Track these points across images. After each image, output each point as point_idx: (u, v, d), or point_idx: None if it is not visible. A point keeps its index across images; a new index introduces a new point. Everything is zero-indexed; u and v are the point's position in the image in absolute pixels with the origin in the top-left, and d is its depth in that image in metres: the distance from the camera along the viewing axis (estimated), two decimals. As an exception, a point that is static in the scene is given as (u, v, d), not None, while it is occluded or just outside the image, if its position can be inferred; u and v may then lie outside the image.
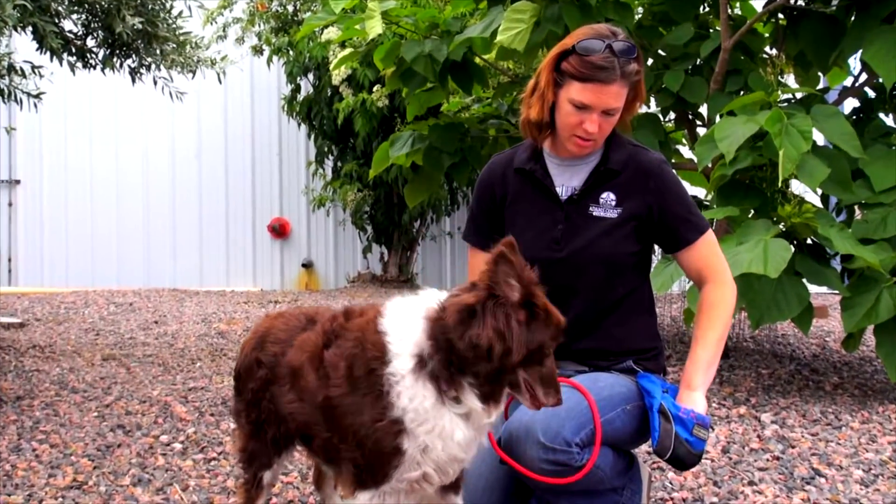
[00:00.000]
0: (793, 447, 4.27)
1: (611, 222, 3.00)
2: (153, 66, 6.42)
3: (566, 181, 3.09)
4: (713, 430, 4.53)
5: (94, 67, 6.44)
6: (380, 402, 2.40)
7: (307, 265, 12.66)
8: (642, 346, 3.06)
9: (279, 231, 12.60)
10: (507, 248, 2.32)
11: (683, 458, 2.84)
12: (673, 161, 6.61)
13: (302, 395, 2.61)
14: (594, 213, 3.03)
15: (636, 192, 3.00)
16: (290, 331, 2.79)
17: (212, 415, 4.86)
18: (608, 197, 3.03)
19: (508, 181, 3.18)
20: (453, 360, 2.32)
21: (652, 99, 6.57)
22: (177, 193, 12.63)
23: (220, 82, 7.12)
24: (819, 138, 5.11)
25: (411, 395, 2.37)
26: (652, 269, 5.43)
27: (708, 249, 3.03)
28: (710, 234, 3.05)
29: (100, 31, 6.25)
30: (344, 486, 2.52)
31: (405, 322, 2.43)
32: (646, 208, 3.01)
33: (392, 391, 2.38)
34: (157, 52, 6.32)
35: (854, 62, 6.55)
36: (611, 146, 3.06)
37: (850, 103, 6.57)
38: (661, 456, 2.84)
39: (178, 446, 4.29)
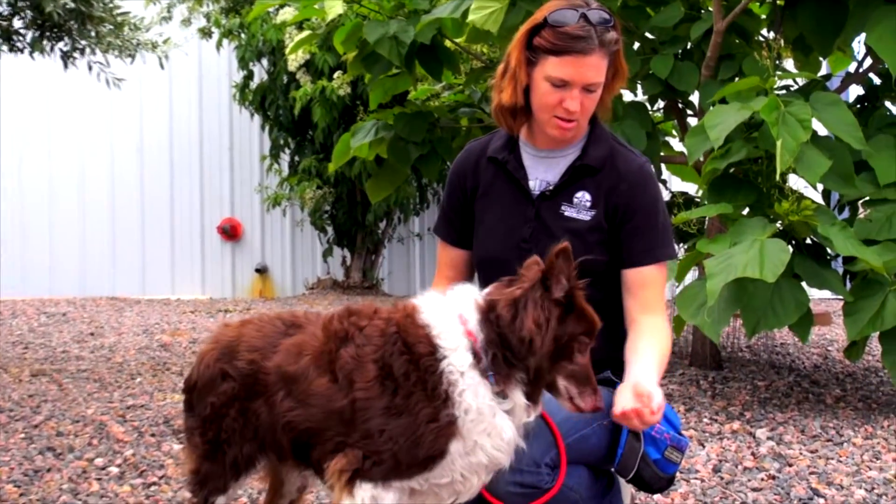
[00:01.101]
0: (790, 465, 4.31)
1: (583, 225, 3.01)
2: (88, 50, 6.40)
3: (541, 174, 3.10)
4: (703, 447, 4.57)
5: (22, 51, 6.41)
6: (433, 401, 2.48)
7: (261, 270, 12.63)
8: (621, 355, 3.08)
9: (230, 233, 12.56)
10: (567, 247, 2.49)
11: (648, 480, 2.86)
12: (662, 154, 6.66)
13: (308, 400, 2.62)
14: (566, 213, 3.04)
15: (609, 194, 3.03)
16: (267, 337, 2.79)
17: (152, 435, 4.84)
18: (583, 197, 3.04)
19: (481, 171, 3.19)
20: (507, 354, 2.47)
21: (638, 86, 6.61)
22: (116, 192, 12.56)
23: (163, 68, 7.10)
24: (820, 129, 5.16)
25: (473, 393, 2.48)
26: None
27: (654, 285, 3.01)
28: (663, 269, 3.03)
29: (28, 11, 6.22)
30: (342, 475, 2.54)
31: (450, 316, 2.55)
32: (612, 210, 3.03)
33: (452, 388, 2.48)
34: (93, 34, 6.30)
35: (858, 46, 6.62)
36: (590, 139, 3.08)
37: (854, 91, 6.64)
38: (623, 476, 2.86)
39: (114, 470, 4.27)
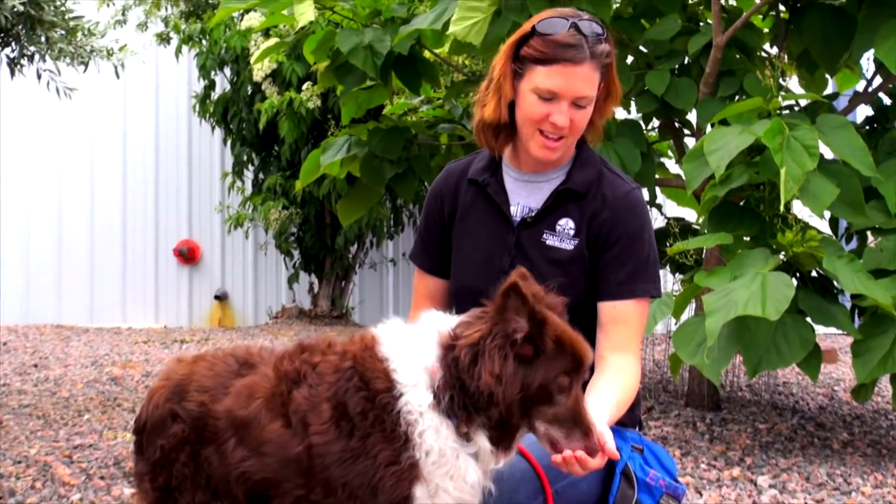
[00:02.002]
0: (795, 516, 4.32)
1: (565, 255, 3.03)
2: (37, 57, 6.36)
3: (523, 200, 3.12)
4: (700, 495, 4.57)
5: (-36, 57, 6.38)
6: (392, 443, 2.46)
7: (221, 297, 12.58)
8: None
9: (187, 256, 12.52)
10: (518, 279, 2.44)
11: None
12: (657, 176, 6.69)
13: (261, 448, 2.60)
14: (547, 242, 3.06)
15: (591, 221, 3.04)
16: (218, 377, 2.78)
17: (101, 478, 4.81)
18: (566, 224, 3.06)
19: (460, 194, 3.21)
20: (465, 399, 2.45)
21: (632, 103, 6.65)
22: (63, 210, 12.51)
23: (118, 77, 7.07)
24: (827, 152, 5.20)
25: (435, 433, 2.46)
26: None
27: (628, 322, 3.01)
28: (642, 306, 3.04)
29: (-29, 14, 6.20)
30: None
31: (412, 348, 2.53)
32: (593, 239, 3.04)
33: (412, 429, 2.46)
34: (42, 39, 6.27)
35: (867, 63, 6.69)
36: (576, 163, 3.09)
37: (863, 111, 6.70)
38: None
39: (59, 516, 4.24)
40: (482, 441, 2.47)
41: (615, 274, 3.01)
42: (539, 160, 3.07)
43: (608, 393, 2.88)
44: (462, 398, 2.44)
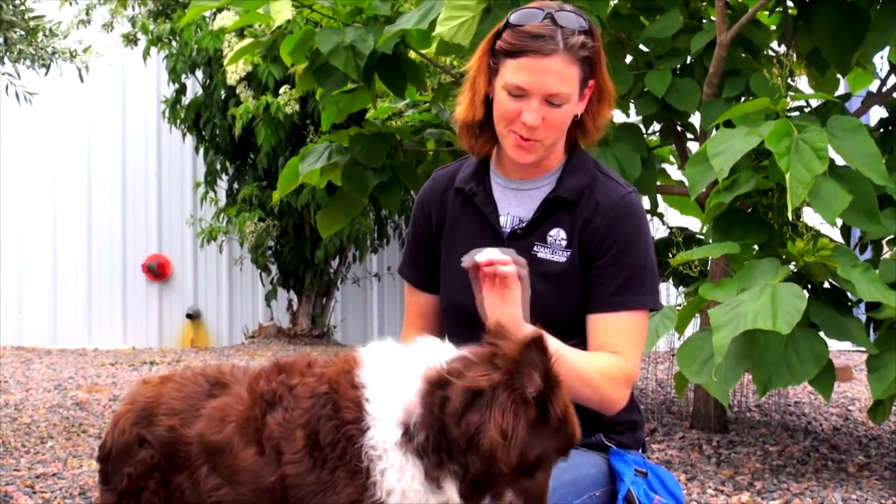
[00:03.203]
0: (808, 544, 4.33)
1: (557, 268, 3.01)
2: (-6, 59, 6.37)
3: (513, 209, 3.11)
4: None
5: (-82, 59, 6.37)
6: (356, 479, 2.43)
7: (193, 316, 12.56)
8: (614, 417, 3.09)
9: (157, 272, 12.51)
10: (541, 336, 2.38)
11: None
12: (658, 183, 6.71)
13: (234, 477, 2.58)
14: (539, 255, 3.04)
15: (583, 230, 3.02)
16: (188, 397, 2.76)
17: (66, 509, 4.80)
18: (557, 235, 3.04)
19: (448, 203, 3.20)
20: (443, 442, 2.38)
21: (632, 106, 6.67)
22: (24, 224, 12.48)
23: (82, 80, 7.07)
24: (838, 157, 5.22)
25: (398, 473, 2.41)
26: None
27: (619, 333, 2.97)
28: (638, 319, 3.00)
29: (-75, 13, 6.20)
30: None
31: (392, 378, 2.47)
32: (584, 248, 3.03)
33: (374, 467, 2.41)
34: (1, 40, 6.27)
35: (881, 62, 6.72)
36: (567, 168, 3.08)
37: (876, 112, 6.73)
38: None
39: (21, 550, 4.22)
40: (451, 493, 2.42)
41: (607, 284, 2.98)
42: (515, 163, 3.05)
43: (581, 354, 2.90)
44: (438, 441, 2.38)
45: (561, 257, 3.01)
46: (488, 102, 3.05)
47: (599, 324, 2.98)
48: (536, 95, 2.91)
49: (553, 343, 2.61)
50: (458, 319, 3.14)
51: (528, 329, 2.59)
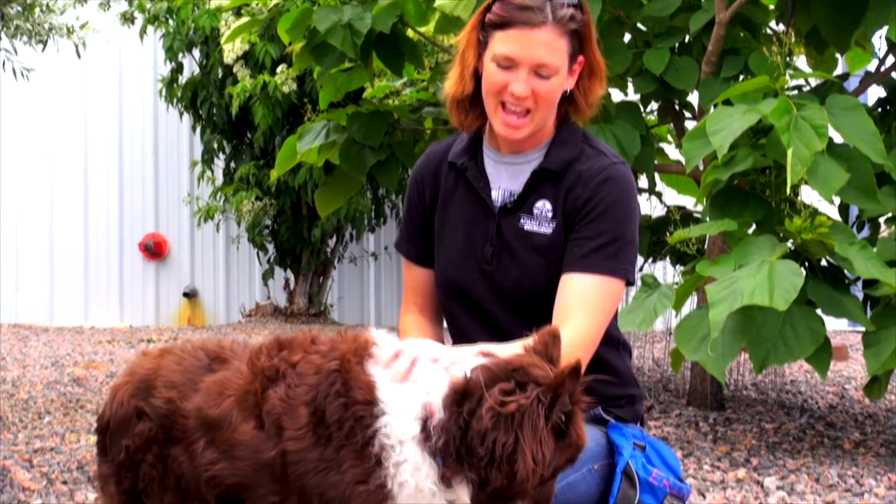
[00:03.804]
0: (804, 519, 4.35)
1: (544, 240, 3.00)
2: (-8, 35, 6.35)
3: (504, 183, 3.10)
4: (704, 497, 4.60)
5: (-85, 35, 6.36)
6: (364, 462, 2.42)
7: (190, 294, 12.57)
8: (612, 389, 3.09)
9: (154, 251, 12.51)
10: (579, 365, 2.37)
11: None
12: (656, 162, 6.71)
13: (232, 451, 2.58)
14: (525, 228, 3.03)
15: (566, 199, 3.01)
16: (187, 371, 2.76)
17: (64, 483, 4.80)
18: (543, 207, 3.03)
19: (441, 178, 3.20)
20: (462, 451, 2.38)
21: (630, 84, 6.67)
22: (21, 202, 12.47)
23: (79, 56, 7.06)
24: (836, 135, 5.22)
25: (413, 469, 2.41)
26: (629, 303, 5.51)
27: (584, 298, 2.91)
28: (606, 287, 2.93)
29: (-79, -11, 6.19)
30: None
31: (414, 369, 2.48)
32: (566, 218, 3.01)
33: (385, 455, 2.41)
34: (-2, 16, 6.26)
35: (879, 41, 6.71)
36: (555, 141, 3.08)
37: (875, 92, 6.73)
38: None
39: (20, 523, 4.23)
40: (463, 496, 2.43)
41: (580, 247, 2.95)
42: (504, 139, 3.05)
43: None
44: (457, 448, 2.38)
45: (547, 229, 3.01)
46: (478, 78, 3.05)
47: (564, 284, 2.94)
48: (525, 66, 2.91)
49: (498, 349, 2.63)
50: (451, 293, 3.15)
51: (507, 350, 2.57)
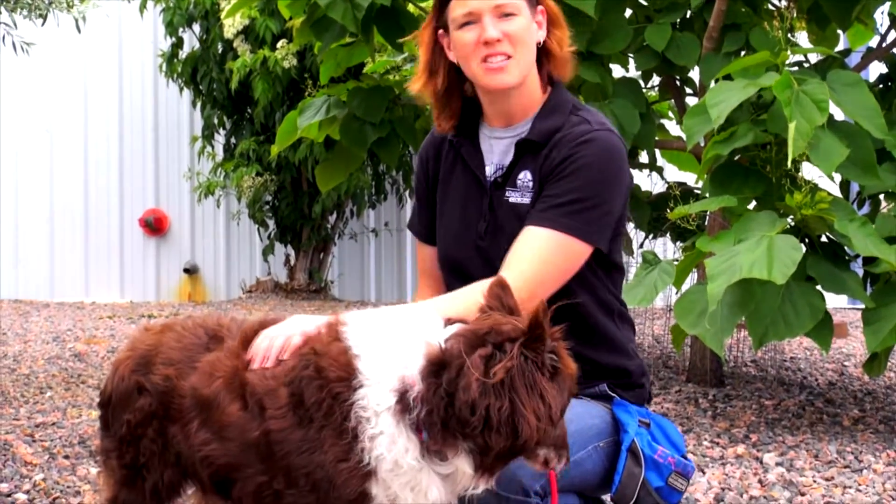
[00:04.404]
0: (802, 494, 4.37)
1: (526, 210, 3.01)
2: (-9, 9, 6.34)
3: (497, 158, 3.11)
4: (703, 473, 4.62)
5: (-86, 9, 6.34)
6: (342, 439, 2.42)
7: (190, 270, 12.58)
8: (616, 364, 3.09)
9: (154, 226, 12.51)
10: (544, 306, 2.37)
11: None
12: (657, 138, 6.70)
13: (223, 433, 2.60)
14: (510, 200, 3.04)
15: (542, 166, 3.00)
16: (186, 349, 2.77)
17: (66, 457, 4.82)
18: (525, 177, 3.03)
19: (442, 156, 3.22)
20: (450, 421, 2.36)
21: (630, 60, 6.66)
22: (20, 178, 12.47)
23: (80, 31, 7.05)
24: (837, 112, 5.22)
25: (389, 442, 2.40)
26: (631, 279, 5.52)
27: (532, 249, 2.88)
28: (559, 243, 2.88)
29: (-79, -38, 6.17)
30: None
31: (385, 342, 2.47)
32: (543, 181, 2.99)
33: (362, 430, 2.41)
34: (-2, -11, 6.25)
35: (881, 17, 6.70)
36: (542, 112, 3.08)
37: (876, 68, 6.71)
38: None
39: (22, 497, 4.24)
40: (462, 464, 2.42)
41: (542, 203, 2.94)
42: (494, 89, 3.01)
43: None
44: (444, 419, 2.37)
45: (527, 199, 3.01)
46: (448, 71, 3.08)
47: (519, 236, 2.92)
48: (485, 12, 2.94)
49: (430, 305, 2.68)
50: (450, 270, 3.16)
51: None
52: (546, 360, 2.37)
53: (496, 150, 3.10)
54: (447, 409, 2.36)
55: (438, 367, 2.39)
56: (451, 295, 2.86)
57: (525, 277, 2.81)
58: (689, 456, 4.77)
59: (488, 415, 2.33)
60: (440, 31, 3.06)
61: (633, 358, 3.14)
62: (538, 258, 2.85)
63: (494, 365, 2.34)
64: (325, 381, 2.45)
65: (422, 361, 2.41)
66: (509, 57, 2.96)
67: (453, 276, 3.14)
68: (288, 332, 2.62)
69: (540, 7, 3.05)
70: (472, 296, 2.66)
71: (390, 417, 2.40)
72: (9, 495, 4.27)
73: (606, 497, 3.08)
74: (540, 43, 3.06)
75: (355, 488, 2.43)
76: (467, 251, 3.08)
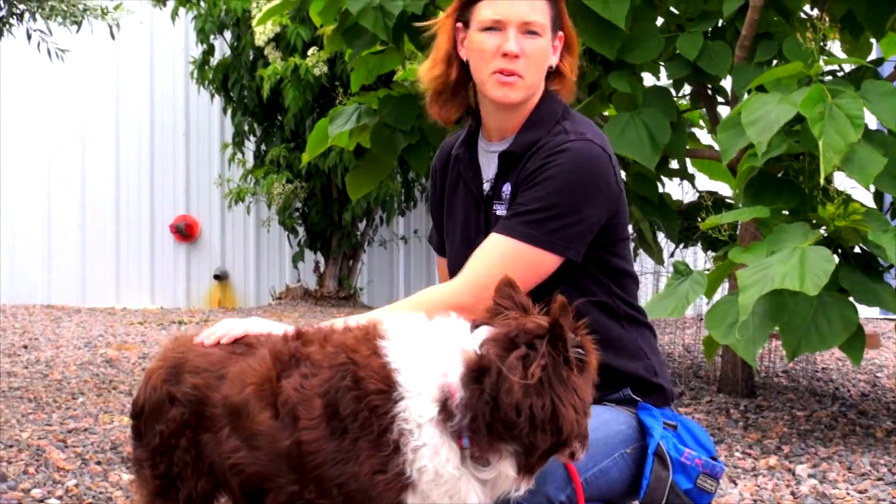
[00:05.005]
0: (835, 507, 4.34)
1: None
2: (27, 16, 6.38)
3: (491, 171, 3.13)
4: (735, 484, 4.59)
5: (-50, 17, 6.40)
6: (380, 451, 2.43)
7: (221, 276, 12.62)
8: (626, 367, 3.06)
9: (185, 233, 12.56)
10: (564, 300, 2.42)
11: None
12: (688, 147, 6.68)
13: (252, 441, 2.60)
14: (497, 213, 3.05)
15: (518, 178, 3.00)
16: (214, 356, 2.78)
17: (98, 463, 4.85)
18: (506, 189, 3.04)
19: (448, 171, 3.25)
20: (497, 425, 2.40)
21: (662, 69, 6.64)
22: (52, 184, 12.55)
23: (113, 37, 7.09)
24: (872, 121, 5.20)
25: (432, 453, 2.42)
26: (662, 289, 5.50)
27: (485, 250, 2.91)
28: (517, 250, 2.88)
29: (-43, -29, 6.23)
30: None
31: (422, 353, 2.49)
32: (514, 193, 3.00)
33: (405, 442, 2.42)
34: (33, -3, 6.30)
35: (915, 26, 6.66)
36: (528, 124, 3.06)
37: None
38: None
39: (54, 502, 4.27)
40: (506, 468, 2.45)
41: (509, 211, 2.95)
42: (497, 101, 3.01)
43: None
44: (488, 423, 2.40)
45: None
46: (459, 65, 3.08)
47: (480, 245, 2.95)
48: (512, 24, 2.95)
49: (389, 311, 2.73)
50: None
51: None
52: (572, 354, 2.41)
53: (492, 164, 3.12)
54: (492, 413, 2.39)
55: (479, 373, 2.42)
56: (401, 302, 2.92)
57: (471, 281, 2.87)
58: (721, 467, 4.76)
59: (532, 414, 2.37)
60: (458, 24, 3.05)
61: (643, 359, 3.09)
62: (490, 263, 2.86)
63: (530, 365, 2.38)
64: (362, 393, 2.46)
65: (461, 369, 2.43)
66: (521, 76, 2.97)
67: None
68: (242, 326, 2.77)
69: (560, 33, 3.07)
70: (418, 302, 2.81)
71: (433, 428, 2.42)
72: (42, 500, 4.30)
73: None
74: (552, 67, 3.07)
75: (391, 500, 2.44)
76: None
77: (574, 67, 3.12)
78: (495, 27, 2.96)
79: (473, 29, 3.00)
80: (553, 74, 3.10)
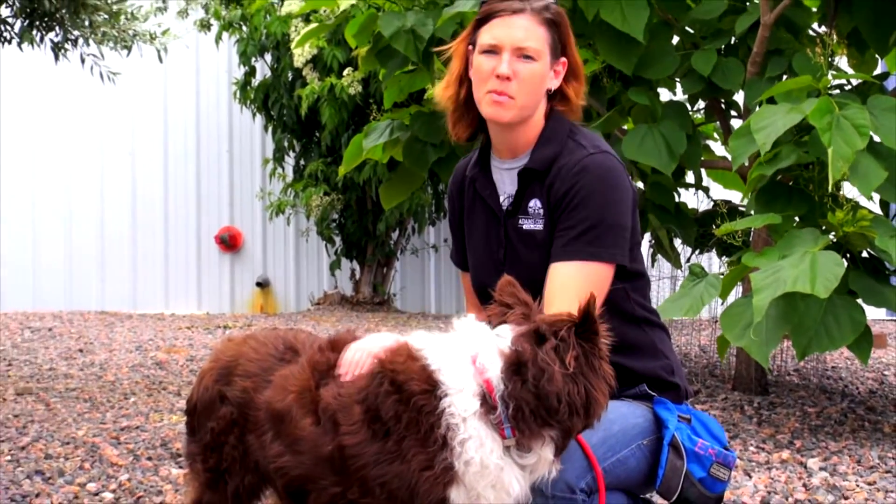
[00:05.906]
0: (846, 498, 4.31)
1: (540, 236, 3.02)
2: (80, 41, 6.44)
3: (507, 188, 3.14)
4: (749, 477, 4.57)
5: (10, 41, 6.46)
6: (428, 447, 2.46)
7: (263, 284, 12.66)
8: (644, 368, 3.07)
9: (229, 243, 12.61)
10: (591, 300, 2.52)
11: (695, 501, 2.92)
12: (703, 158, 6.66)
13: (295, 446, 2.62)
14: (524, 228, 3.06)
15: (549, 195, 3.02)
16: (263, 361, 2.80)
17: (149, 459, 4.87)
18: (535, 205, 3.04)
19: (465, 191, 3.26)
20: (540, 411, 2.46)
21: (678, 84, 6.63)
22: (105, 198, 12.61)
23: (161, 61, 7.14)
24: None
25: (478, 444, 2.46)
26: (676, 291, 5.48)
27: (566, 287, 2.88)
28: (588, 271, 2.90)
29: (17, -1, 6.29)
30: None
31: (458, 354, 2.52)
32: (552, 211, 3.01)
33: (452, 436, 2.45)
34: (86, 23, 6.35)
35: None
36: (540, 140, 3.08)
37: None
38: (667, 498, 2.91)
39: (108, 496, 4.29)
40: (546, 453, 2.50)
41: (561, 238, 2.95)
42: (489, 118, 3.04)
43: None
44: (532, 411, 2.45)
45: (541, 226, 3.03)
46: (469, 84, 3.10)
47: (549, 274, 2.94)
48: (507, 48, 2.96)
49: None
50: (481, 295, 3.17)
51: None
52: (602, 343, 2.52)
53: (506, 181, 3.13)
54: (535, 401, 2.45)
55: (518, 367, 2.47)
56: None
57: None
58: (736, 461, 4.74)
59: (571, 400, 2.44)
60: (469, 48, 3.08)
61: (661, 359, 3.11)
62: (574, 291, 2.83)
63: (564, 355, 2.46)
64: (406, 395, 2.48)
65: (500, 364, 2.48)
66: (511, 98, 2.98)
67: (483, 300, 3.15)
68: (369, 348, 2.69)
69: (563, 59, 3.07)
70: None
71: (477, 421, 2.46)
72: (97, 494, 4.32)
73: (658, 499, 3.06)
74: (551, 90, 3.08)
75: (438, 495, 2.46)
76: (492, 277, 3.07)
77: (580, 93, 3.14)
78: (492, 50, 2.98)
79: (476, 51, 3.03)
80: (558, 98, 3.12)
